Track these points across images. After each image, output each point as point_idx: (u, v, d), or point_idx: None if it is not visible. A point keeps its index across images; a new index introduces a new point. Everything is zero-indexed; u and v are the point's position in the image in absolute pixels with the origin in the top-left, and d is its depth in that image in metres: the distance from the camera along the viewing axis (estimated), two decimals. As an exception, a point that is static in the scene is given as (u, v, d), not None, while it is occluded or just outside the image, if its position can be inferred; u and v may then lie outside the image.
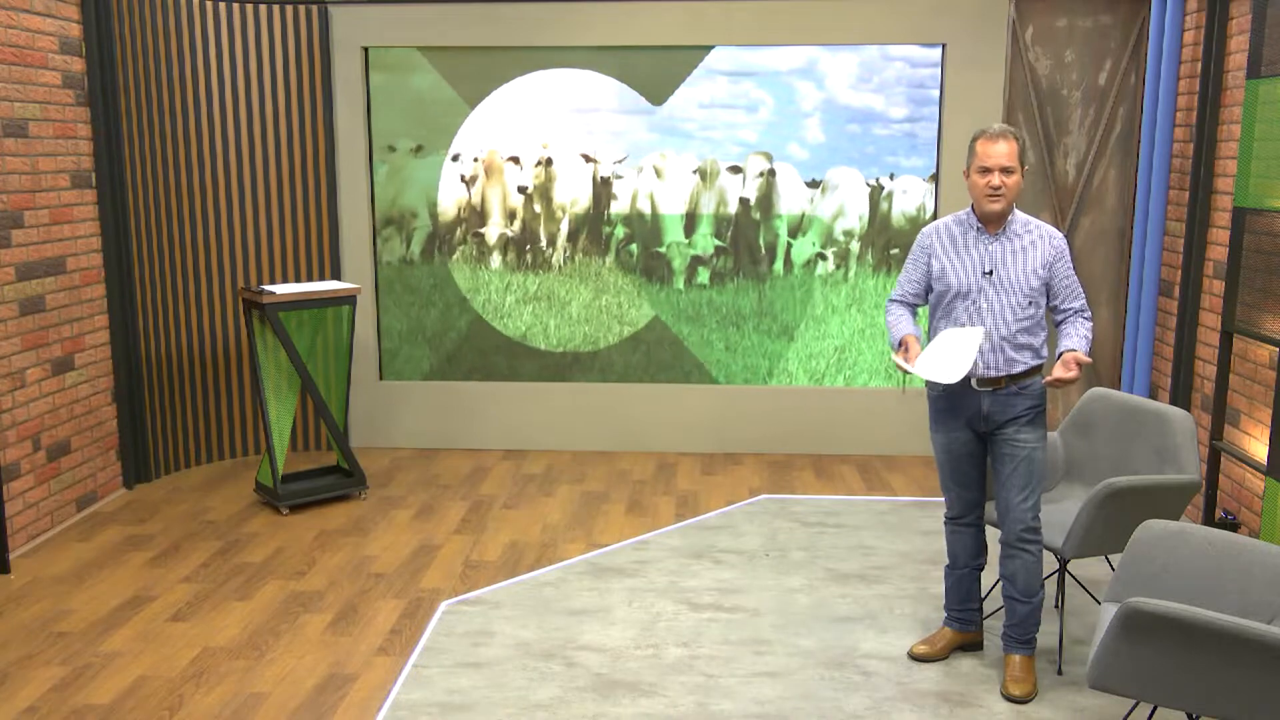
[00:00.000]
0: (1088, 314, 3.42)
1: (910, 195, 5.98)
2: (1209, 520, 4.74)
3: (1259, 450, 4.39)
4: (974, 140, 3.37)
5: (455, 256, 6.16)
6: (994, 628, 3.88)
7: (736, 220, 6.07)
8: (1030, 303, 3.36)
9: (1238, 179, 4.42)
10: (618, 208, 6.09)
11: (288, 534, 4.93)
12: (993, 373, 3.37)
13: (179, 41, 5.57)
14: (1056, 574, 3.99)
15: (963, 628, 3.72)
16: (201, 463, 5.95)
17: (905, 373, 3.40)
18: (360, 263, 6.17)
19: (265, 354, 5.12)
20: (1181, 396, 5.05)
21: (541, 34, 5.91)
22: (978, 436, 3.50)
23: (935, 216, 6.00)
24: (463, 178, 6.06)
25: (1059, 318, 3.44)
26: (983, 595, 3.90)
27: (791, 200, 6.03)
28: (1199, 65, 4.99)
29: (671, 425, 6.26)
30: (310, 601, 4.21)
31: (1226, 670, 2.45)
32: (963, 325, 3.40)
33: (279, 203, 5.97)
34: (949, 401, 3.48)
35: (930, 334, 3.53)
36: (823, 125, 5.93)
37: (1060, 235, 3.41)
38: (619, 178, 6.04)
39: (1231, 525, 4.45)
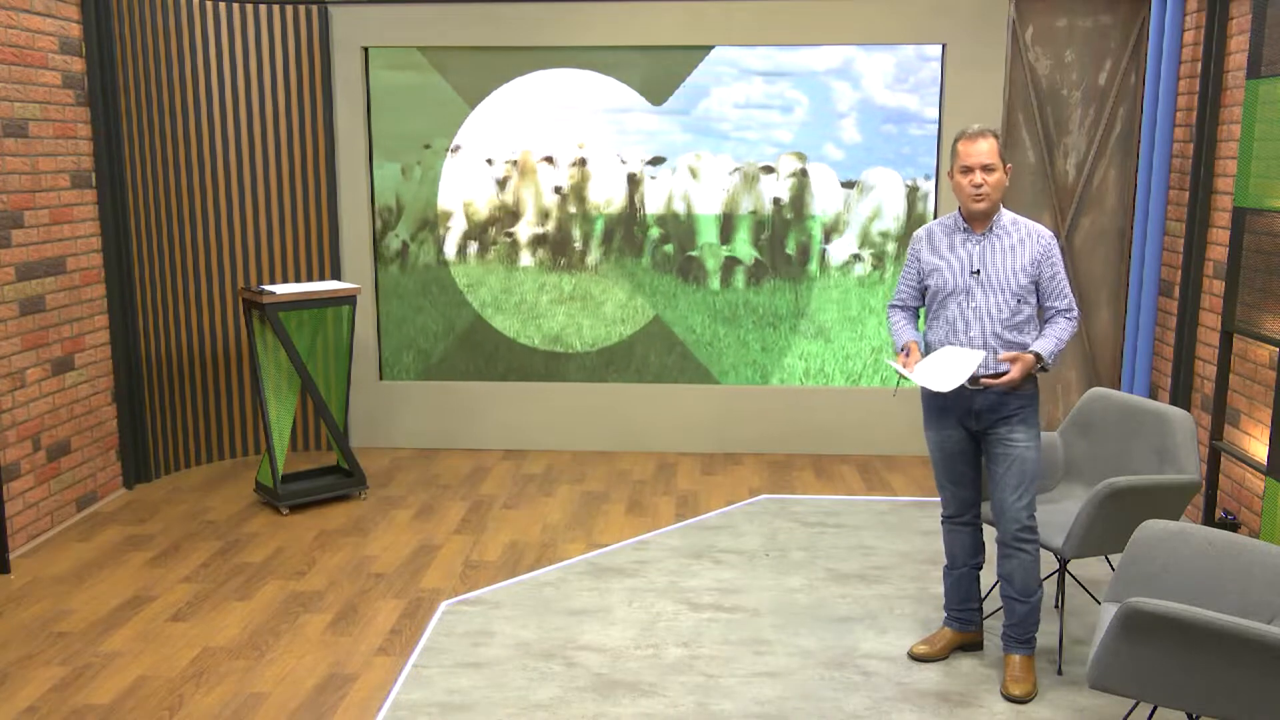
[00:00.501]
0: (1071, 314, 3.42)
1: (948, 196, 5.98)
2: (1209, 520, 4.74)
3: (1259, 450, 4.39)
4: (955, 142, 3.41)
5: (489, 256, 6.15)
6: (994, 628, 3.88)
7: (771, 221, 6.06)
8: (1019, 300, 3.37)
9: (1238, 179, 4.42)
10: (652, 208, 6.08)
11: (288, 534, 4.93)
12: (983, 371, 3.38)
13: (179, 41, 5.57)
14: (1056, 574, 3.99)
15: (963, 628, 3.73)
16: (201, 463, 5.95)
17: (901, 376, 3.42)
18: (360, 263, 6.17)
19: (265, 354, 5.12)
20: (1181, 396, 5.05)
21: (541, 34, 5.91)
22: (970, 435, 3.50)
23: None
24: (496, 180, 6.05)
25: (1046, 317, 3.45)
26: (982, 595, 3.90)
27: (827, 201, 6.02)
28: (1199, 65, 4.99)
29: (671, 425, 6.26)
30: (310, 601, 4.21)
31: (1226, 670, 2.45)
32: (954, 324, 3.43)
33: (279, 203, 5.97)
34: (941, 400, 3.49)
35: (926, 332, 3.54)
36: (859, 125, 5.92)
37: (1049, 234, 3.42)
38: (653, 178, 6.03)
39: (1231, 525, 4.45)
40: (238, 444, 6.07)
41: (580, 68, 6.00)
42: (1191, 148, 5.07)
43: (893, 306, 3.64)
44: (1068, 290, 3.42)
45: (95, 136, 5.19)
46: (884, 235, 5.99)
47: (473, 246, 6.15)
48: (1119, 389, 5.68)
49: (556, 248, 6.14)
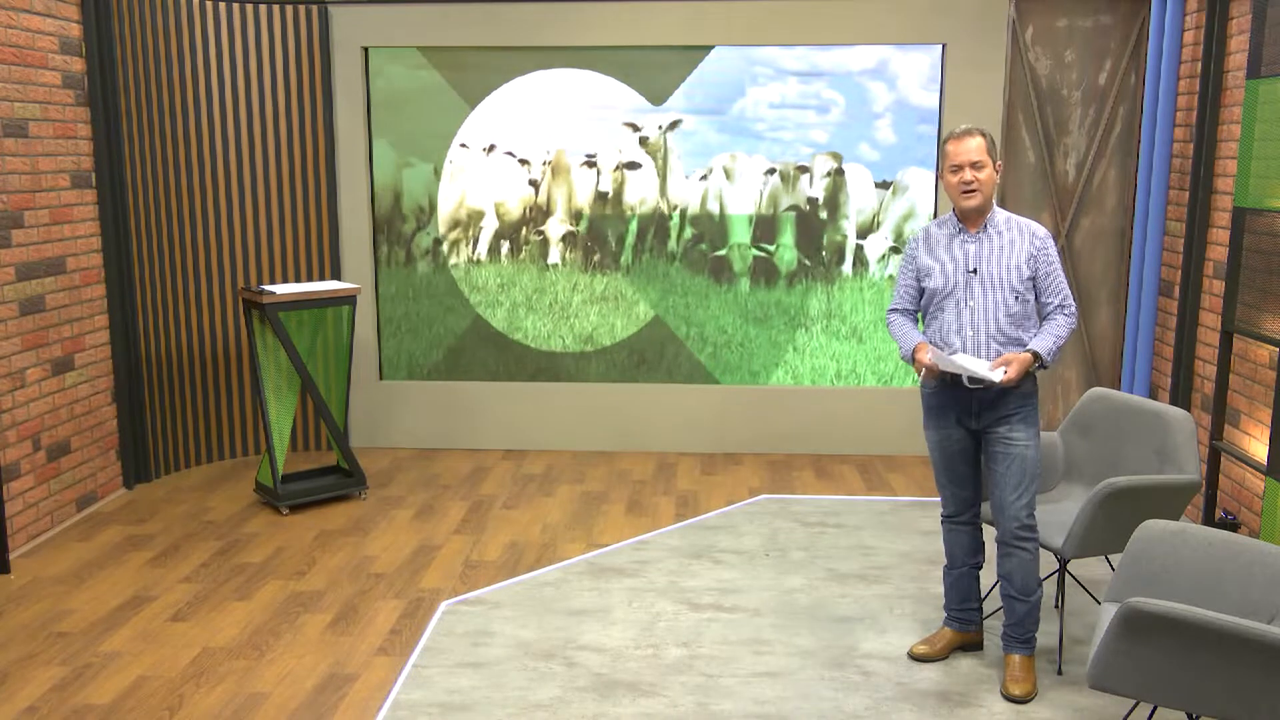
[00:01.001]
0: (1069, 310, 3.41)
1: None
2: (1209, 520, 4.74)
3: (1259, 450, 4.39)
4: (944, 142, 3.43)
5: (521, 256, 6.15)
6: (994, 628, 3.87)
7: (804, 221, 6.05)
8: (1016, 298, 3.37)
9: (1238, 179, 4.42)
10: (690, 209, 6.07)
11: (288, 534, 4.93)
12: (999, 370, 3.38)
13: (179, 41, 5.57)
14: (1056, 574, 3.99)
15: (962, 628, 3.72)
16: (201, 463, 5.95)
17: (936, 372, 3.39)
18: (360, 263, 6.16)
19: (265, 354, 5.12)
20: (1181, 396, 5.05)
21: (541, 34, 5.91)
22: (970, 434, 3.50)
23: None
24: (531, 180, 6.05)
25: (1044, 314, 3.46)
26: (982, 595, 3.90)
27: (862, 201, 6.01)
28: (1199, 65, 4.99)
29: (671, 425, 6.26)
30: (310, 601, 4.21)
31: (1226, 670, 2.45)
32: (953, 324, 3.43)
33: (279, 203, 5.97)
34: (940, 399, 3.50)
35: (925, 333, 3.55)
36: (894, 126, 5.92)
37: (1044, 230, 3.43)
38: (687, 178, 6.02)
39: (1231, 525, 4.45)
40: (238, 444, 6.07)
41: (580, 68, 6.00)
42: (1191, 148, 5.07)
43: (892, 310, 3.63)
44: (1065, 286, 3.42)
45: (95, 136, 5.19)
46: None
47: (504, 246, 6.14)
48: (1119, 389, 5.68)
49: (588, 248, 6.14)
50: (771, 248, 6.06)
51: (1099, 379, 5.85)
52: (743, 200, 6.03)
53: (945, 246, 3.47)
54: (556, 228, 6.06)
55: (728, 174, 5.97)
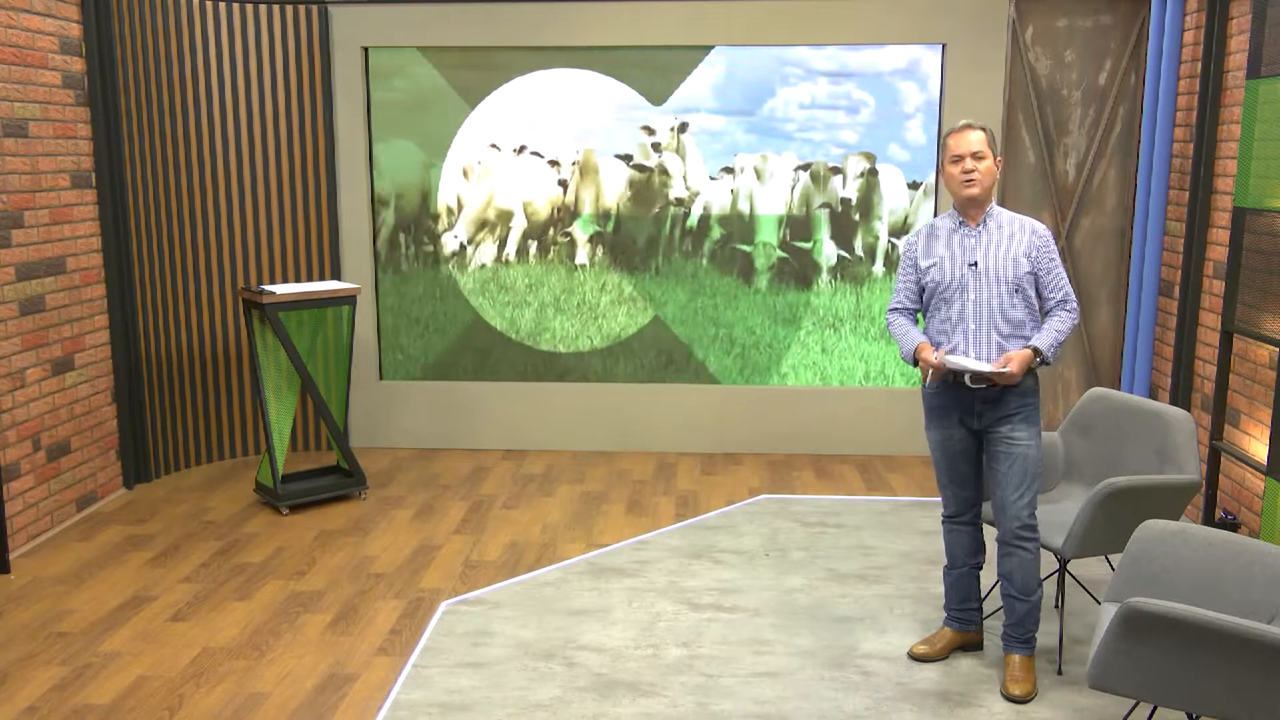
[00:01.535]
0: (1070, 306, 3.43)
1: (948, 196, 5.99)
2: (1209, 520, 4.74)
3: (1259, 450, 4.38)
4: (945, 137, 3.45)
5: (549, 256, 6.15)
6: (994, 628, 3.87)
7: (837, 220, 6.04)
8: (1017, 291, 3.37)
9: (1238, 179, 4.42)
10: (717, 209, 6.07)
11: (288, 534, 4.93)
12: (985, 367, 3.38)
13: (179, 41, 5.57)
14: (1056, 574, 3.99)
15: (962, 628, 3.72)
16: (201, 463, 5.95)
17: (941, 370, 3.38)
18: (360, 263, 6.16)
19: (265, 354, 5.12)
20: (1181, 396, 5.05)
21: (541, 34, 5.91)
22: (972, 434, 3.50)
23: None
24: (560, 180, 6.04)
25: (1046, 310, 3.47)
26: (982, 595, 3.90)
27: (894, 201, 6.00)
28: (1199, 65, 4.99)
29: (671, 425, 6.26)
30: (310, 601, 4.21)
31: (1226, 670, 2.45)
32: (954, 319, 3.43)
33: (279, 203, 5.97)
34: (942, 399, 3.49)
35: (925, 329, 3.55)
36: (924, 126, 5.92)
37: (1044, 227, 3.45)
38: (714, 179, 6.01)
39: (1231, 525, 4.45)
40: (238, 444, 6.07)
41: (580, 68, 5.99)
42: (1191, 148, 5.07)
43: (892, 310, 3.63)
44: (1065, 283, 3.43)
45: (95, 136, 5.19)
46: None
47: (533, 246, 6.14)
48: (1119, 389, 5.68)
49: (617, 248, 6.14)
50: (809, 244, 6.05)
51: (1099, 379, 5.85)
52: (773, 200, 6.02)
53: (945, 241, 3.47)
54: (584, 228, 6.06)
55: (758, 174, 5.96)
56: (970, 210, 3.44)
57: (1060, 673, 3.60)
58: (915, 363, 3.49)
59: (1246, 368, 4.52)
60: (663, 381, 6.24)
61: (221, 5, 5.69)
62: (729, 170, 6.00)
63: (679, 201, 6.04)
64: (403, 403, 6.30)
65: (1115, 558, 4.28)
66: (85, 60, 5.14)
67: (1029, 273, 3.39)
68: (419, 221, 6.18)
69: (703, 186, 6.03)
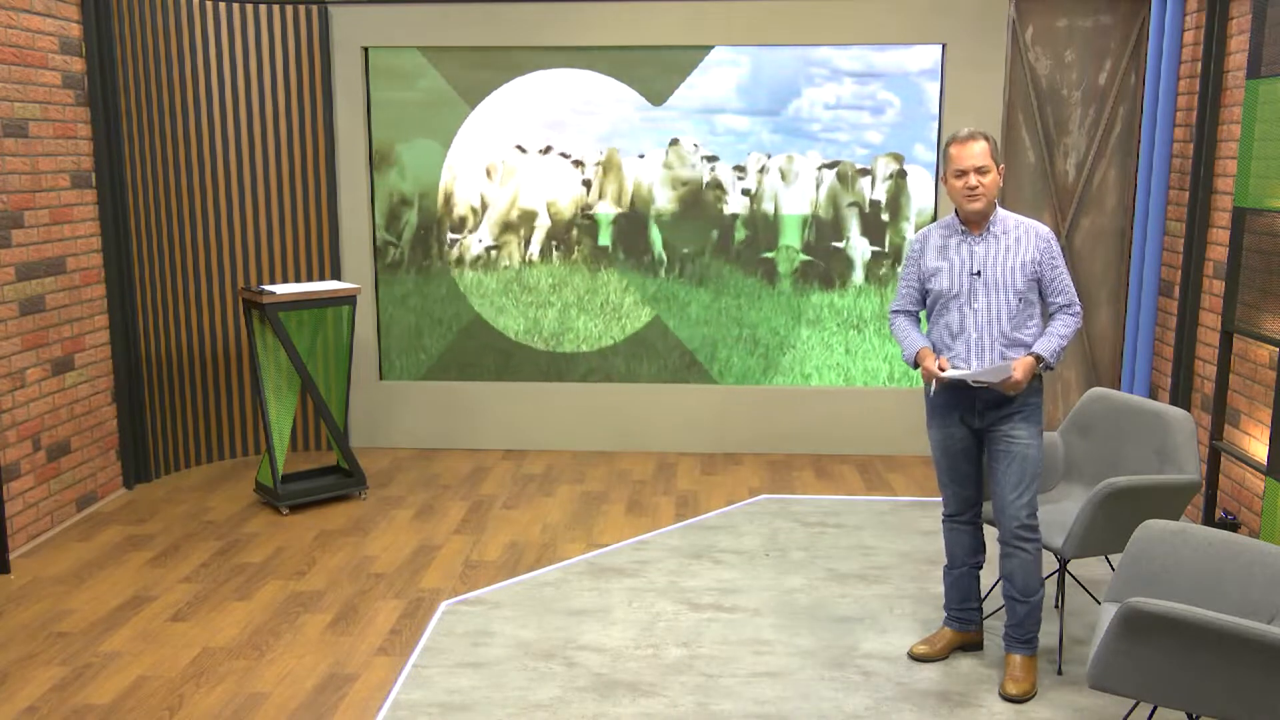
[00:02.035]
0: (1074, 310, 3.42)
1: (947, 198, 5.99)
2: (1209, 520, 4.74)
3: (1259, 450, 4.39)
4: (947, 145, 3.43)
5: (573, 257, 6.14)
6: (995, 628, 3.88)
7: (865, 222, 6.03)
8: (1021, 300, 3.37)
9: (1238, 179, 4.42)
10: (741, 209, 6.06)
11: (288, 534, 4.93)
12: (1008, 367, 3.38)
13: (179, 41, 5.57)
14: (1056, 574, 3.99)
15: (962, 627, 3.72)
16: (201, 463, 5.95)
17: (942, 381, 3.39)
18: (360, 263, 6.17)
19: (265, 354, 5.12)
20: (1181, 396, 5.05)
21: (542, 34, 5.91)
22: (973, 433, 3.50)
23: (935, 217, 6.00)
24: (584, 180, 6.03)
25: (1050, 313, 3.46)
26: (983, 595, 3.90)
27: (922, 202, 5.99)
28: (1199, 65, 4.99)
29: (671, 425, 6.26)
30: (310, 601, 4.21)
31: (1226, 670, 2.45)
32: (956, 327, 3.43)
33: (279, 203, 5.97)
34: (944, 397, 3.49)
35: (929, 334, 3.54)
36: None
37: (1047, 230, 3.43)
38: (741, 180, 6.00)
39: (1231, 525, 4.45)
40: (238, 444, 6.07)
41: (580, 68, 5.99)
42: (1191, 148, 5.07)
43: (894, 312, 3.63)
44: (1069, 286, 3.43)
45: (95, 136, 5.19)
46: None
47: (557, 248, 6.14)
48: (1119, 389, 5.68)
49: (643, 248, 6.13)
50: (841, 244, 6.05)
51: (1099, 379, 5.85)
52: (798, 201, 6.01)
53: (948, 249, 3.46)
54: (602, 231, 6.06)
55: (783, 175, 5.95)
56: (973, 220, 3.43)
57: (1060, 673, 3.60)
58: (916, 365, 3.49)
59: (1246, 368, 4.52)
60: (679, 382, 6.23)
61: (221, 5, 5.69)
62: (740, 169, 5.98)
63: (734, 217, 6.03)
64: (403, 403, 6.30)
65: (1115, 558, 4.28)
66: (85, 60, 5.14)
67: (1033, 279, 3.39)
68: (428, 222, 6.18)
69: (732, 188, 6.02)
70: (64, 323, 5.01)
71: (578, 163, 6.04)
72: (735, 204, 6.06)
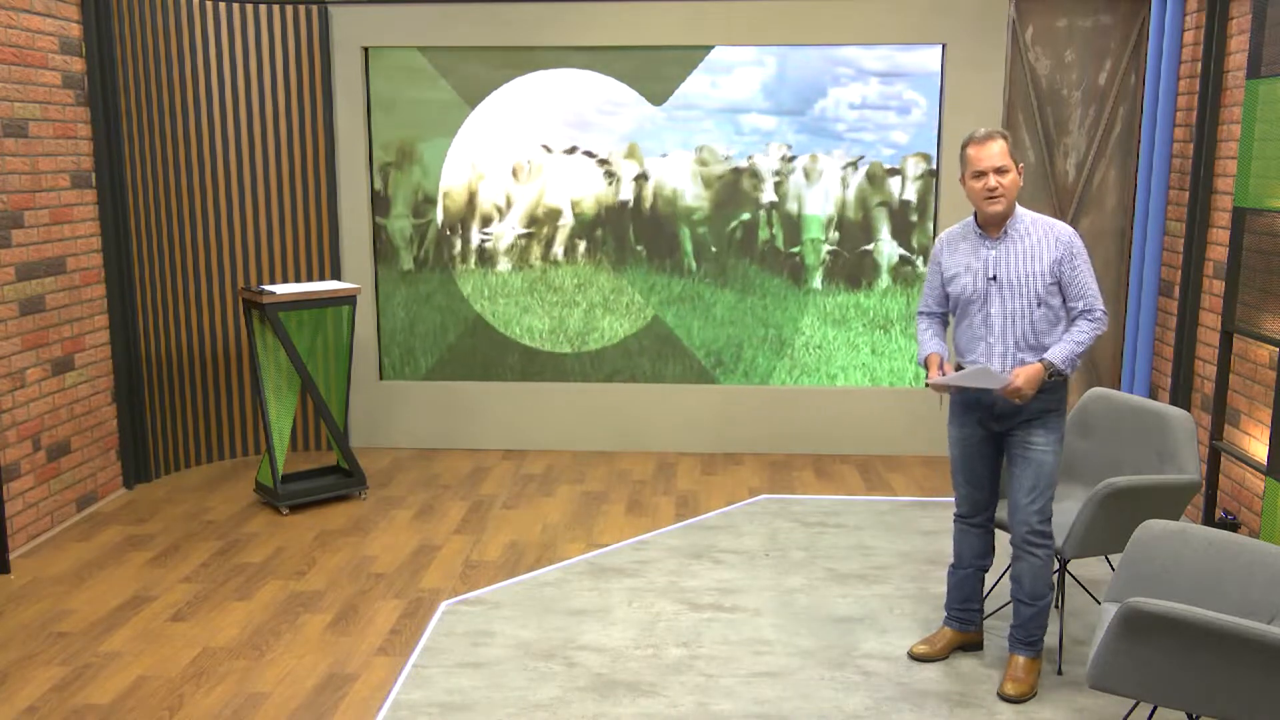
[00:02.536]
0: (1094, 315, 3.34)
1: (947, 199, 5.96)
2: (1209, 520, 4.74)
3: (1259, 450, 4.38)
4: (964, 146, 3.36)
5: (598, 256, 6.14)
6: (997, 628, 3.87)
7: (894, 220, 6.02)
8: (1040, 304, 3.32)
9: (1238, 179, 4.42)
10: (767, 208, 6.05)
11: (288, 534, 4.93)
12: (1007, 375, 3.36)
13: (179, 41, 5.57)
14: (1057, 574, 3.98)
15: (963, 627, 3.72)
16: (201, 463, 5.95)
17: (939, 390, 3.39)
18: (360, 263, 6.17)
19: (265, 354, 5.12)
20: (1181, 396, 5.05)
21: (542, 34, 5.91)
22: (991, 435, 3.49)
23: (935, 217, 6.00)
24: (609, 175, 6.01)
25: (1070, 317, 3.38)
26: (983, 596, 3.90)
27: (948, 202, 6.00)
28: (1199, 65, 4.99)
29: (671, 425, 6.26)
30: (310, 601, 4.21)
31: (1226, 670, 2.45)
32: (977, 330, 3.42)
33: (279, 203, 5.97)
34: (966, 397, 3.51)
35: (955, 335, 3.53)
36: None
37: (1069, 232, 3.35)
38: (773, 176, 5.99)
39: (1231, 525, 4.45)
40: (238, 444, 6.07)
41: (580, 68, 5.99)
42: (1191, 148, 5.07)
43: (920, 314, 3.64)
44: (1089, 290, 3.34)
45: (95, 136, 5.19)
46: None
47: (581, 247, 6.13)
48: (1119, 389, 5.68)
49: (668, 248, 6.13)
50: (870, 246, 6.04)
51: (1099, 379, 5.85)
52: (823, 201, 6.01)
53: (967, 252, 3.44)
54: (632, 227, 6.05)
55: (807, 175, 5.94)
56: (990, 223, 3.37)
57: (1060, 673, 3.60)
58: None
59: (1246, 368, 4.52)
60: (711, 383, 6.22)
61: (221, 5, 5.69)
62: (762, 170, 5.97)
63: (771, 205, 6.02)
64: (403, 403, 6.30)
65: (1115, 558, 4.28)
66: (85, 60, 5.14)
67: (1052, 284, 3.32)
68: (450, 221, 6.18)
69: (757, 187, 6.01)
70: (64, 323, 5.01)
71: (603, 161, 6.04)
72: (760, 203, 6.04)
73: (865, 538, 4.86)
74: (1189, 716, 2.79)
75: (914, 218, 6.01)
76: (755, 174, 5.99)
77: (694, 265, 6.11)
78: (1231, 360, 4.63)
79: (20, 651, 3.79)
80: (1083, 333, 3.33)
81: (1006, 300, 3.35)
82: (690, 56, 5.96)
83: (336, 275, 6.13)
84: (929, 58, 5.87)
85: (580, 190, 6.08)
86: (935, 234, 6.00)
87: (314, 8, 5.87)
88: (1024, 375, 3.28)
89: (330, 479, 5.42)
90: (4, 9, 4.57)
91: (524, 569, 4.53)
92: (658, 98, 6.00)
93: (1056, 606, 4.04)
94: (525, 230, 6.09)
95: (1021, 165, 3.39)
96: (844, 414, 6.18)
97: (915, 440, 6.12)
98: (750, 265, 6.09)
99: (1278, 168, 4.14)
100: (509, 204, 6.07)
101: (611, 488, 5.62)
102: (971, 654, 3.73)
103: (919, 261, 6.05)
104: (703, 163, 6.00)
